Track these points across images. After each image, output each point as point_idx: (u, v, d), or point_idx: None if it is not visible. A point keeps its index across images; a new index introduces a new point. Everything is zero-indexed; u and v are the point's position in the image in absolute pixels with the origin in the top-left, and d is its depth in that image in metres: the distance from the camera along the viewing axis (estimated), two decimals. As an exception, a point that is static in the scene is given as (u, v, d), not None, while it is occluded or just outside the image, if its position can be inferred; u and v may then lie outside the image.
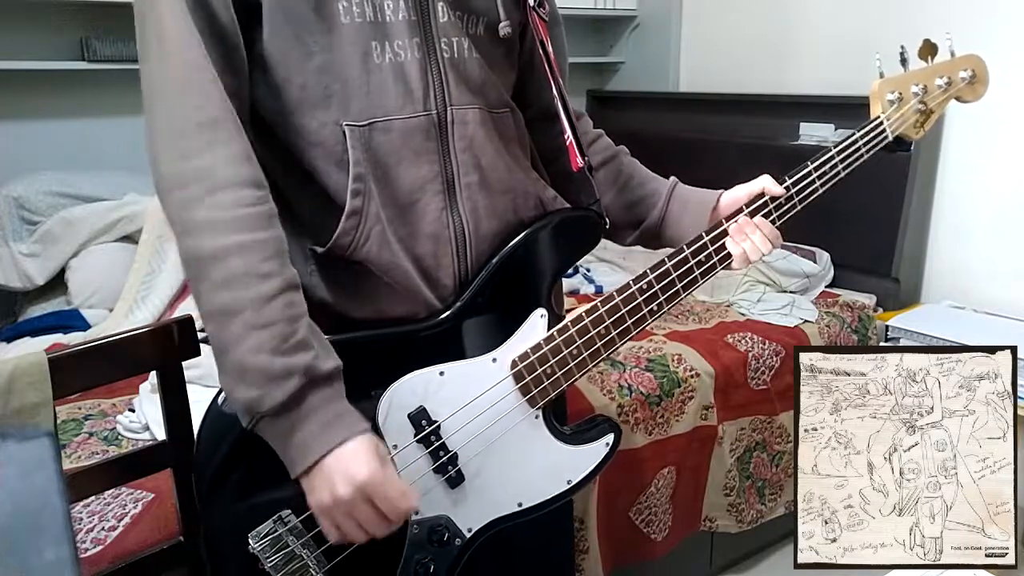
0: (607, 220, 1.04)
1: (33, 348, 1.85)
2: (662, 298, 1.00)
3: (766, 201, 1.04)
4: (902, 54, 1.10)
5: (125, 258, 2.25)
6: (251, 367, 0.79)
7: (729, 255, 1.02)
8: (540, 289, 0.98)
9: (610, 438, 1.02)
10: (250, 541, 0.88)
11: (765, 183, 1.05)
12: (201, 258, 0.80)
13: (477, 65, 0.94)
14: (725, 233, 1.02)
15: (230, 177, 0.80)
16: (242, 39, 0.84)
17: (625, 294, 0.98)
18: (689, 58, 3.18)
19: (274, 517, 0.89)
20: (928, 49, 1.11)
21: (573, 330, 0.97)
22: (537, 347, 0.96)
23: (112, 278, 2.22)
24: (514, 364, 0.96)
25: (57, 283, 2.26)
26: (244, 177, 0.81)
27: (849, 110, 2.47)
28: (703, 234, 1.02)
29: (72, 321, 2.12)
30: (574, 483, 1.00)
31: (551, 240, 0.99)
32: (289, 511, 0.89)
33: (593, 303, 0.98)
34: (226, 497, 0.91)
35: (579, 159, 1.00)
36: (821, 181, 1.06)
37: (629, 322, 0.99)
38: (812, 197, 1.06)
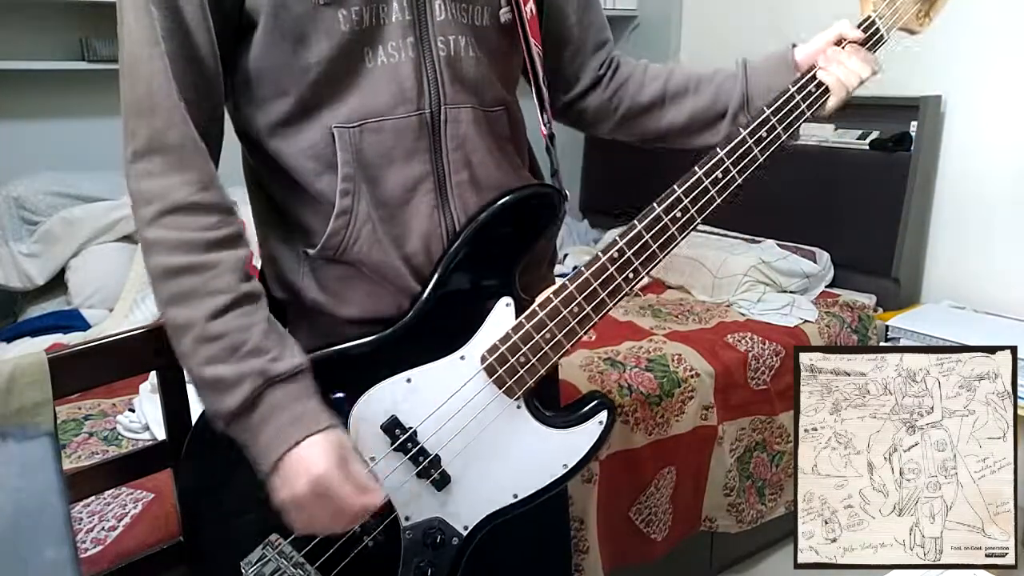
0: (566, 193, 0.99)
1: (33, 348, 1.85)
2: (636, 263, 0.95)
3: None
4: None
5: (125, 258, 2.25)
6: (204, 378, 0.82)
7: (818, 98, 1.01)
8: (503, 277, 0.95)
9: (603, 416, 0.98)
10: (243, 569, 0.88)
11: (841, 28, 1.02)
12: (153, 275, 0.83)
13: (474, 63, 0.93)
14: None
15: (184, 201, 0.82)
16: (220, 63, 0.85)
17: (594, 267, 0.94)
18: (689, 58, 3.18)
19: (263, 543, 0.89)
20: None
21: (542, 314, 0.93)
22: (506, 337, 0.93)
23: (112, 278, 2.22)
24: (484, 359, 0.93)
25: (57, 283, 2.26)
26: (201, 201, 0.83)
27: (849, 110, 2.46)
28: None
29: (72, 321, 2.12)
30: (571, 467, 0.97)
31: (505, 225, 0.95)
32: (276, 535, 0.89)
33: (561, 283, 0.95)
34: (214, 521, 0.91)
35: (543, 127, 1.00)
36: (819, 91, 1.02)
37: (603, 294, 0.94)
38: (816, 102, 1.03)
